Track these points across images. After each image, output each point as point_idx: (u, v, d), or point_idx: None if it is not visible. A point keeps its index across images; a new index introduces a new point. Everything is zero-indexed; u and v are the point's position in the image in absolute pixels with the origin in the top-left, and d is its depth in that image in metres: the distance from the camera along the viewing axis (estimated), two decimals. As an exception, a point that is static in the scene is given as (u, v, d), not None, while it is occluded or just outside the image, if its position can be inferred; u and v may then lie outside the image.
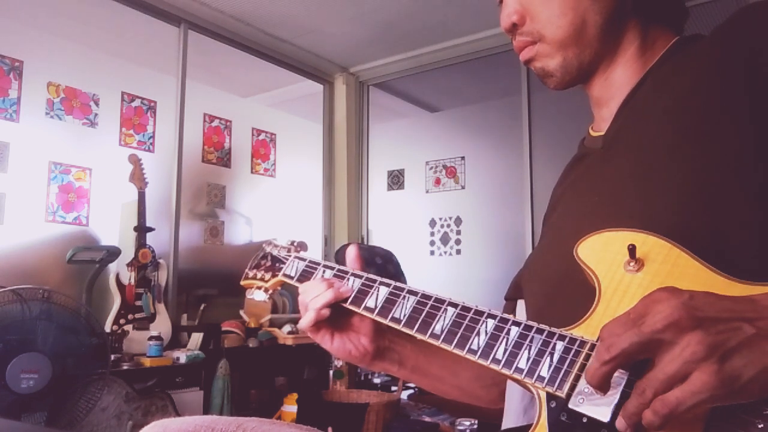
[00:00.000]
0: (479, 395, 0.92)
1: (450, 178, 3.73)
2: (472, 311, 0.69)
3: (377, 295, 0.79)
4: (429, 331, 0.71)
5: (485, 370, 0.66)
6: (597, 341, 0.58)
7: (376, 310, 0.77)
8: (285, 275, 0.93)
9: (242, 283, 1.00)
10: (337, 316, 0.83)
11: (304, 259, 0.92)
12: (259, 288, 0.97)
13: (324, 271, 0.87)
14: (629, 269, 0.61)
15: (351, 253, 0.87)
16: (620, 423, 0.50)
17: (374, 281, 0.80)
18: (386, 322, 0.76)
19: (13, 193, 2.53)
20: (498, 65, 3.58)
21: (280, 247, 0.99)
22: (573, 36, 0.76)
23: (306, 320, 0.82)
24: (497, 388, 0.91)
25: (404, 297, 0.76)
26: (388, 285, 0.79)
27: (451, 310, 0.71)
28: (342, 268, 0.85)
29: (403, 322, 0.74)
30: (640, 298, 0.58)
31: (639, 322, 0.48)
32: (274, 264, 0.96)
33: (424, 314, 0.72)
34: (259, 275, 0.98)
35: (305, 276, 0.89)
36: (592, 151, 0.81)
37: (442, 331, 0.70)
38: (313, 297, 0.81)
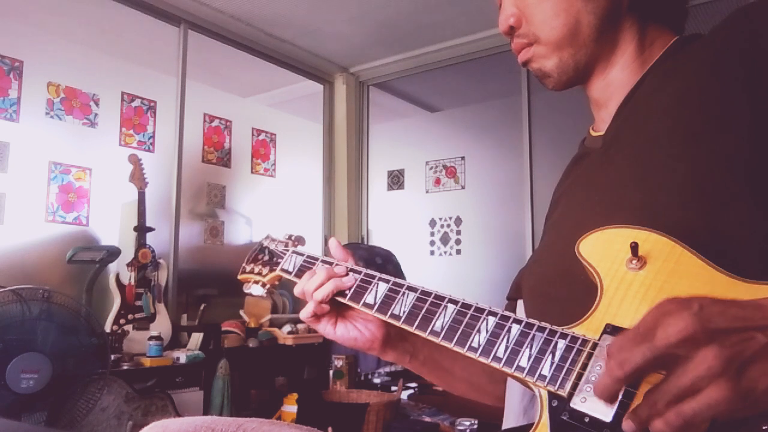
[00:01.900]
0: (487, 390, 0.92)
1: (450, 178, 3.73)
2: (473, 308, 0.69)
3: (376, 290, 0.78)
4: (429, 328, 0.70)
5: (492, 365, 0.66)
6: (599, 340, 0.58)
7: (376, 306, 0.77)
8: (283, 270, 0.92)
9: (239, 277, 0.99)
10: (342, 303, 0.82)
11: (302, 254, 0.91)
12: (256, 282, 0.96)
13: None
14: (631, 267, 0.60)
15: (333, 242, 0.87)
16: (627, 425, 0.49)
17: (373, 277, 0.79)
18: (386, 318, 0.75)
19: (13, 193, 2.52)
20: (498, 65, 3.58)
21: (278, 241, 0.98)
22: (567, 37, 0.76)
23: (306, 311, 0.83)
24: (505, 384, 0.91)
25: (404, 293, 0.75)
26: (387, 281, 0.78)
27: (451, 307, 0.70)
28: (341, 264, 0.85)
29: (402, 319, 0.73)
30: (643, 296, 0.58)
31: (650, 336, 0.47)
32: (272, 258, 0.95)
33: (423, 311, 0.72)
34: (256, 270, 0.97)
35: (303, 271, 0.88)
36: (592, 151, 0.81)
37: (442, 329, 0.69)
38: (315, 286, 0.81)
